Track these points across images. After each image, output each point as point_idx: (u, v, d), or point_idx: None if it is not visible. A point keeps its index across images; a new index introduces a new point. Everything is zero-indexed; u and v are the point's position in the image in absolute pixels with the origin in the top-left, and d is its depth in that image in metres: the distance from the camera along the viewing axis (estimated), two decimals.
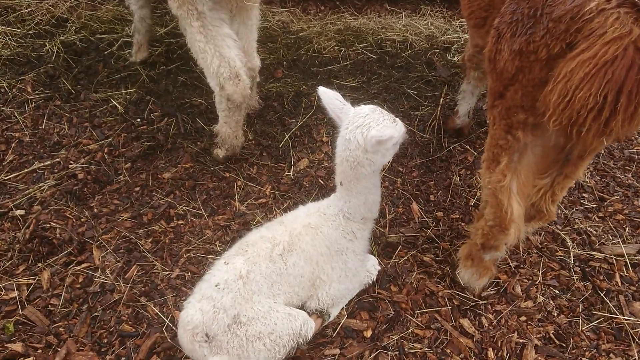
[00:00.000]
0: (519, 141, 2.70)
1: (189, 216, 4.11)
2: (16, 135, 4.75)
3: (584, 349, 3.31)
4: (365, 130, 2.82)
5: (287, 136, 4.79)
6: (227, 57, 3.86)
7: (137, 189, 4.33)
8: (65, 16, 6.14)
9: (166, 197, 4.26)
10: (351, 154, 2.88)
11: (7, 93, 5.13)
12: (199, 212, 4.14)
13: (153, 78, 5.42)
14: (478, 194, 4.36)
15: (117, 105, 5.04)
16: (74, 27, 5.97)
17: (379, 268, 3.63)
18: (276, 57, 5.70)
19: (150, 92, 5.23)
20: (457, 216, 4.18)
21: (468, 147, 4.78)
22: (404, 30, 6.04)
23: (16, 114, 4.92)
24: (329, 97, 2.96)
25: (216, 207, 4.20)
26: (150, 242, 3.91)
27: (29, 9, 6.18)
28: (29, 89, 5.21)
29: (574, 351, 3.29)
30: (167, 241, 3.92)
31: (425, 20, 6.17)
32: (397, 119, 2.95)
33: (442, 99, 5.17)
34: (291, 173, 4.48)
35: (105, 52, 5.70)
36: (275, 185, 4.38)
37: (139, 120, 4.93)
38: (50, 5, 6.25)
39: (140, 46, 5.46)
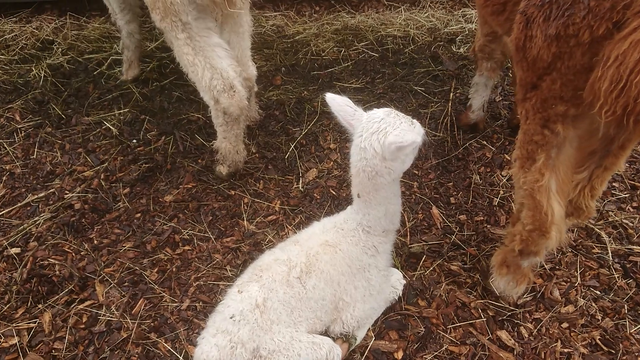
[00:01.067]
0: (558, 136, 2.43)
1: (195, 240, 3.84)
2: (7, 167, 4.49)
3: (636, 354, 3.03)
4: (382, 136, 2.55)
5: (292, 146, 4.52)
6: (219, 68, 3.60)
7: (138, 215, 4.06)
8: (50, 38, 5.89)
9: (169, 221, 3.98)
10: (368, 164, 2.61)
11: None
12: (206, 235, 3.87)
13: (146, 96, 5.16)
14: (501, 192, 4.08)
15: (111, 127, 4.78)
16: (60, 49, 5.72)
17: (404, 282, 3.36)
18: (273, 63, 5.44)
19: (145, 110, 4.97)
20: (482, 218, 3.90)
21: (485, 142, 4.50)
22: (405, 24, 5.77)
23: (5, 145, 4.66)
24: (338, 104, 2.69)
25: (223, 228, 3.93)
26: (156, 272, 3.64)
27: (12, 34, 5.93)
28: (18, 118, 4.95)
29: (624, 357, 3.02)
30: (174, 270, 3.65)
31: (425, 13, 5.90)
32: (415, 121, 2.68)
33: (452, 94, 4.90)
34: (300, 185, 4.21)
35: (95, 73, 5.44)
36: (284, 199, 4.11)
37: (135, 141, 4.67)
38: (34, 29, 6.00)
39: (131, 63, 5.20)
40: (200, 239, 3.86)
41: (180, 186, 4.26)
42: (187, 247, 3.81)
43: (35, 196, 4.21)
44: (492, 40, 3.95)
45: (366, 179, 2.69)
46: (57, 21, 6.15)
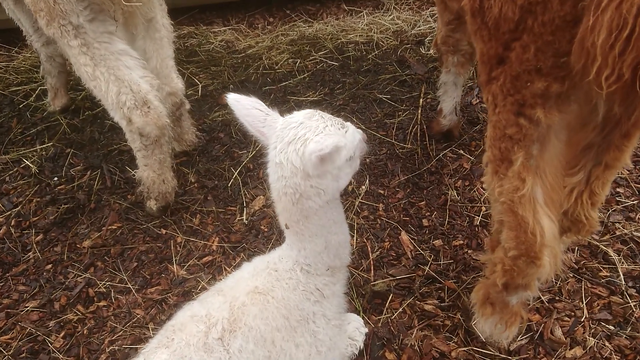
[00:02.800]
0: (539, 125, 1.77)
1: (113, 294, 3.14)
2: None
3: None
4: (301, 145, 1.90)
5: (236, 172, 3.84)
6: (127, 80, 2.96)
7: (49, 266, 3.36)
8: None
9: (85, 272, 3.29)
10: (288, 184, 1.96)
11: None
12: (127, 286, 3.16)
13: (76, 127, 4.51)
14: (484, 209, 3.40)
15: (30, 165, 4.11)
16: None
17: (366, 330, 2.68)
18: (221, 81, 4.81)
19: (72, 143, 4.31)
20: (461, 242, 3.21)
21: (462, 151, 3.84)
22: (367, 29, 5.18)
23: None
24: (244, 107, 2.03)
25: (149, 276, 3.23)
26: (62, 338, 2.93)
27: None
28: None
29: None
30: (85, 332, 2.95)
31: (390, 15, 5.32)
32: (348, 124, 2.04)
33: (422, 100, 4.26)
34: (244, 217, 3.52)
35: (21, 106, 4.80)
36: (224, 236, 3.42)
37: (56, 179, 4.00)
38: None
39: (57, 91, 4.56)
40: (119, 292, 3.15)
41: (103, 228, 3.57)
42: (102, 303, 3.10)
43: None
44: (456, 28, 3.33)
45: (290, 203, 2.02)
46: None
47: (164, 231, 3.50)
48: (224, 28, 5.55)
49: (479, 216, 3.35)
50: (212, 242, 3.39)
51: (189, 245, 3.40)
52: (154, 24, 3.22)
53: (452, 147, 3.88)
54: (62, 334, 2.95)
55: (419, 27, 5.16)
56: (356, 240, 3.29)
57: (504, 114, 1.83)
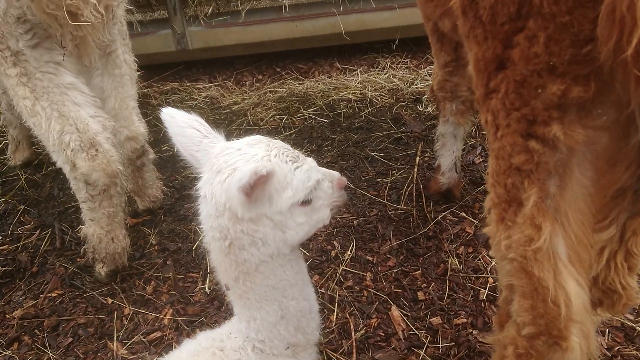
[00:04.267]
0: (556, 149, 1.29)
1: None
2: None
3: None
4: (227, 176, 1.43)
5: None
6: (72, 118, 2.55)
7: None
8: None
9: (7, 348, 2.71)
10: (215, 225, 1.47)
11: None
12: None
13: (36, 182, 4.09)
14: (491, 280, 2.84)
15: None
16: None
17: None
18: None
19: (26, 200, 3.86)
20: (464, 320, 2.62)
21: (464, 214, 3.33)
22: (361, 87, 4.85)
23: None
24: (179, 124, 1.59)
25: (83, 355, 2.65)
26: None
27: None
28: None
29: None
30: None
31: (386, 74, 5.01)
32: (309, 160, 1.58)
33: (418, 158, 3.81)
34: (207, 285, 2.98)
35: None
36: (180, 307, 2.86)
37: (0, 238, 3.50)
38: None
39: (18, 144, 4.18)
40: None
41: (41, 295, 3.03)
42: None
43: None
44: (453, 71, 2.94)
45: (221, 253, 1.52)
46: None
47: (110, 300, 2.95)
48: (210, 85, 5.25)
49: (485, 289, 2.79)
50: (165, 315, 2.82)
51: (136, 318, 2.83)
52: (114, 59, 2.86)
53: (452, 209, 3.37)
54: None
55: (416, 85, 4.82)
56: (336, 315, 2.72)
57: (508, 137, 1.35)
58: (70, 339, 2.75)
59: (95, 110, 2.67)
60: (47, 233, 3.50)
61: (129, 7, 5.32)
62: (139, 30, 5.09)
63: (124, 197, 2.91)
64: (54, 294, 3.05)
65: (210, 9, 5.38)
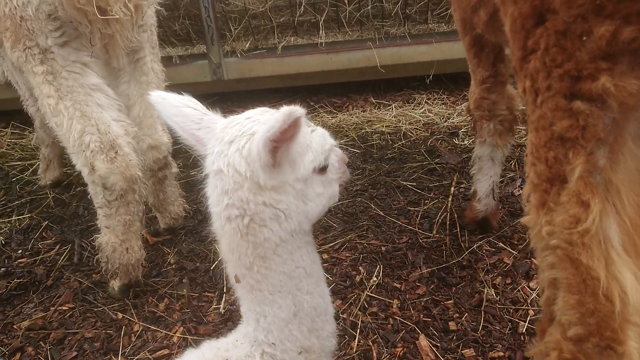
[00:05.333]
0: (605, 107, 1.11)
1: None
2: None
3: None
4: (246, 142, 1.31)
5: None
6: (94, 118, 2.50)
7: None
8: None
9: (9, 359, 2.57)
10: (232, 202, 1.35)
11: None
12: None
13: (63, 201, 4.07)
14: (531, 312, 2.56)
15: None
16: None
17: None
18: None
19: (51, 217, 3.83)
20: (501, 354, 2.35)
21: (502, 244, 3.08)
22: (395, 121, 4.73)
23: None
24: (173, 105, 1.50)
25: None
26: None
27: None
28: None
29: None
30: None
31: (421, 109, 4.89)
32: (319, 128, 1.47)
33: (452, 188, 3.61)
34: (222, 305, 2.80)
35: (14, 179, 4.46)
36: (191, 325, 2.68)
37: (20, 252, 3.45)
38: None
39: (50, 163, 4.20)
40: None
41: (52, 308, 2.91)
42: None
43: None
44: (491, 87, 2.78)
45: (237, 235, 1.39)
46: (0, 132, 5.40)
47: (120, 315, 2.81)
48: None
49: (525, 322, 2.51)
50: (175, 333, 2.65)
51: (145, 335, 2.67)
52: (141, 66, 2.84)
53: (489, 239, 3.13)
54: None
55: (453, 119, 4.67)
56: (358, 342, 2.49)
57: (549, 101, 1.18)
58: (75, 353, 2.60)
59: (119, 115, 2.63)
60: (67, 249, 3.43)
61: (172, 39, 5.52)
62: (177, 62, 5.18)
63: (142, 206, 2.81)
64: (64, 307, 2.92)
65: (248, 44, 5.47)
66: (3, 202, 4.12)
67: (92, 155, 2.51)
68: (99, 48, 2.51)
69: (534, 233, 1.31)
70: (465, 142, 4.30)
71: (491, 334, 2.48)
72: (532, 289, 2.71)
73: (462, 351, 2.39)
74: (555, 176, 1.22)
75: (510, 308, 2.62)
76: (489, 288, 2.76)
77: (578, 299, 1.17)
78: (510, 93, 2.84)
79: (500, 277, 2.84)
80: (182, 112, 1.46)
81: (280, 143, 1.25)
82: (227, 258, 1.48)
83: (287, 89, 5.49)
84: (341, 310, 2.71)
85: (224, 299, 2.84)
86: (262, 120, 1.35)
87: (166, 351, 2.53)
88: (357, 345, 2.47)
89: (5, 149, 5.03)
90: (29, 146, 5.03)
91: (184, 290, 2.92)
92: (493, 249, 3.07)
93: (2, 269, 3.27)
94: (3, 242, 3.56)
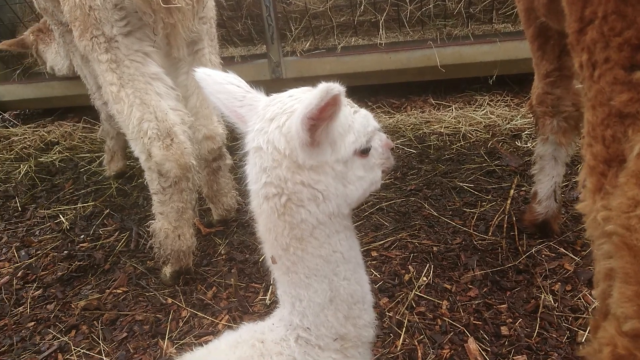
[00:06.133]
0: None
1: None
2: None
3: None
4: (286, 119, 1.29)
5: None
6: (153, 106, 2.58)
7: (32, 324, 2.83)
8: (56, 140, 5.38)
9: (65, 335, 2.69)
10: (270, 179, 1.33)
11: None
12: (105, 358, 2.50)
13: (125, 192, 4.23)
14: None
15: (64, 221, 3.80)
16: (59, 149, 5.13)
17: None
18: None
19: (113, 205, 3.99)
20: None
21: (563, 249, 2.90)
22: (455, 122, 4.59)
23: None
24: (217, 82, 1.50)
25: (133, 349, 2.55)
26: None
27: (22, 137, 5.52)
28: None
29: None
30: None
31: (483, 110, 4.73)
32: (362, 110, 1.43)
33: (512, 191, 3.45)
34: (267, 297, 2.80)
35: (82, 169, 4.69)
36: (237, 314, 2.70)
37: (82, 237, 3.61)
38: (45, 132, 5.57)
39: (114, 154, 4.39)
40: None
41: (107, 290, 3.02)
42: None
43: None
44: (556, 82, 2.63)
45: (274, 214, 1.36)
46: (72, 126, 5.71)
47: (169, 301, 2.86)
48: None
49: (584, 331, 2.34)
50: (220, 320, 2.67)
51: (192, 321, 2.71)
52: (200, 57, 2.91)
53: (549, 244, 2.96)
54: None
55: (516, 121, 4.48)
56: (403, 341, 2.41)
57: (607, 74, 1.09)
58: (125, 334, 2.68)
59: (176, 104, 2.70)
60: (125, 236, 3.55)
61: (235, 39, 5.65)
62: (239, 60, 5.29)
63: (195, 195, 2.87)
64: (119, 290, 3.02)
65: (307, 45, 5.50)
66: (71, 190, 4.34)
67: (149, 141, 2.58)
68: (161, 38, 2.58)
69: (590, 220, 1.21)
70: (529, 144, 4.11)
71: (547, 342, 2.33)
72: (594, 298, 2.53)
73: (514, 357, 2.25)
74: (613, 157, 1.12)
75: (569, 316, 2.46)
76: (547, 294, 2.60)
77: (635, 290, 1.06)
78: (577, 88, 2.68)
79: (559, 283, 2.67)
80: (225, 89, 1.46)
81: (319, 121, 1.22)
82: (264, 238, 1.46)
83: (345, 88, 5.46)
84: (387, 308, 2.63)
85: (270, 291, 2.84)
86: (304, 98, 1.32)
87: (211, 337, 2.55)
88: (402, 344, 2.39)
89: (77, 142, 5.32)
90: (97, 140, 5.29)
91: (232, 280, 2.94)
92: (553, 254, 2.89)
93: (65, 251, 3.43)
94: (68, 227, 3.74)
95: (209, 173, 3.21)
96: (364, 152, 1.39)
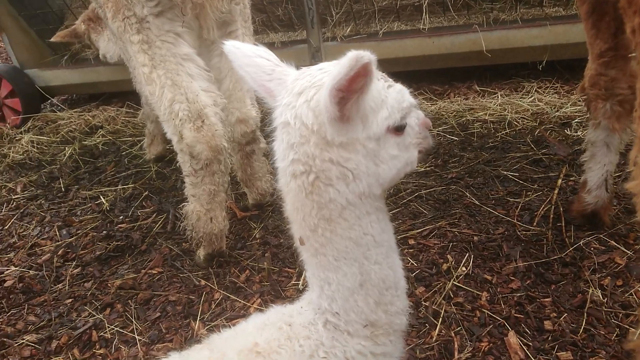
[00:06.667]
0: None
1: (116, 342, 2.50)
2: None
3: None
4: (315, 92, 1.22)
5: None
6: (184, 87, 2.55)
7: (69, 301, 2.89)
8: (100, 124, 5.48)
9: (100, 312, 2.72)
10: (298, 156, 1.27)
11: None
12: (138, 336, 2.51)
13: (164, 175, 4.27)
14: None
15: (104, 202, 3.86)
16: (102, 133, 5.23)
17: None
18: None
19: (152, 188, 4.03)
20: None
21: (614, 242, 2.72)
22: (500, 109, 4.41)
23: None
24: (246, 55, 1.43)
25: (165, 329, 2.56)
26: None
27: (68, 120, 5.65)
28: (18, 189, 4.29)
29: None
30: None
31: (530, 97, 4.51)
32: (397, 84, 1.32)
33: (560, 180, 3.27)
34: (300, 282, 2.75)
35: (124, 153, 4.76)
36: (269, 298, 2.66)
37: (121, 217, 3.66)
38: (90, 116, 5.69)
39: (154, 138, 4.42)
40: (124, 341, 2.52)
41: (142, 270, 3.04)
42: (100, 351, 2.48)
43: None
44: (610, 62, 2.46)
45: (302, 193, 1.30)
46: (116, 111, 5.81)
47: (203, 283, 2.86)
48: None
49: (636, 329, 2.18)
50: (252, 304, 2.64)
51: (225, 304, 2.69)
52: (233, 39, 2.83)
53: (599, 236, 2.78)
54: None
55: (566, 109, 4.26)
56: (439, 332, 2.31)
57: None
58: (158, 314, 2.69)
59: (208, 85, 2.67)
60: (162, 218, 3.58)
61: (275, 25, 5.61)
62: (279, 46, 5.24)
63: (227, 177, 2.83)
64: (154, 271, 3.04)
65: (348, 30, 5.40)
66: (112, 172, 4.41)
67: (181, 123, 2.56)
68: (191, 18, 2.55)
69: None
70: (579, 133, 3.90)
71: (594, 339, 2.19)
72: None
73: (558, 353, 2.13)
74: None
75: (619, 312, 2.30)
76: (595, 289, 2.44)
77: None
78: (634, 70, 2.49)
79: (609, 277, 2.50)
80: (254, 62, 1.40)
81: (348, 94, 1.14)
82: (292, 218, 1.39)
83: (386, 74, 5.35)
84: (424, 297, 2.54)
85: (303, 276, 2.79)
86: (332, 70, 1.25)
87: (242, 320, 2.53)
88: (438, 335, 2.30)
89: (119, 126, 5.40)
90: (139, 124, 5.36)
91: (265, 263, 2.91)
92: (603, 247, 2.72)
93: (104, 231, 3.48)
94: (108, 208, 3.80)
95: (242, 157, 3.18)
96: (399, 129, 1.29)
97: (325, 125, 1.19)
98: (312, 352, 1.42)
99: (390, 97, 1.27)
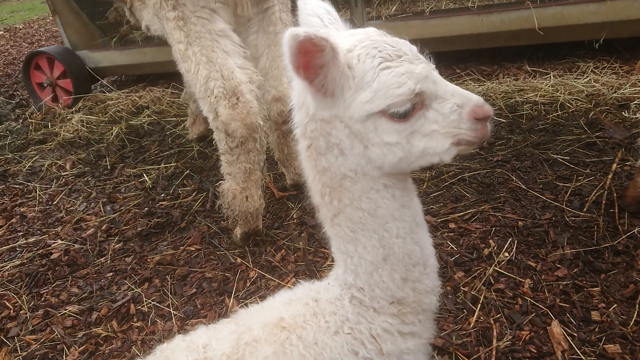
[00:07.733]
0: None
1: (152, 316, 2.55)
2: (22, 210, 3.84)
3: None
4: None
5: None
6: (219, 64, 2.53)
7: (110, 274, 2.96)
8: (146, 104, 5.57)
9: (138, 286, 2.77)
10: (297, 119, 1.31)
11: (42, 171, 4.40)
12: (173, 311, 2.54)
13: (205, 154, 4.30)
14: None
15: (147, 179, 3.93)
16: (148, 113, 5.32)
17: None
18: None
19: (193, 167, 4.07)
20: None
21: None
22: (552, 90, 4.17)
23: (37, 189, 4.08)
24: (308, 13, 1.39)
25: (200, 305, 2.59)
26: (79, 352, 2.39)
27: (117, 101, 5.78)
28: (67, 166, 4.43)
29: None
30: (106, 352, 2.36)
31: (586, 78, 4.25)
32: (425, 66, 1.20)
33: (614, 165, 3.07)
34: None
35: (167, 132, 4.83)
36: (304, 278, 2.63)
37: (163, 195, 3.71)
38: (137, 97, 5.79)
39: (196, 118, 4.45)
40: (160, 315, 2.56)
41: (181, 247, 3.08)
42: (137, 324, 2.53)
43: (25, 241, 3.40)
44: None
45: (304, 158, 1.33)
46: (161, 92, 5.89)
47: (239, 261, 2.86)
48: None
49: None
50: (287, 283, 2.63)
51: (259, 282, 2.69)
52: (269, 16, 2.81)
53: None
54: (81, 349, 2.41)
55: (624, 90, 3.99)
56: (477, 318, 2.23)
57: None
58: (194, 290, 2.71)
59: (244, 62, 2.63)
60: (202, 196, 3.61)
61: None
62: None
63: (263, 156, 2.81)
64: (192, 248, 3.07)
65: (394, 9, 5.25)
66: (156, 152, 4.48)
67: (216, 100, 2.55)
68: None
69: None
70: (638, 115, 3.65)
71: None
72: None
73: (605, 345, 2.01)
74: None
75: None
76: None
77: None
78: None
79: None
80: (309, 21, 1.35)
81: (309, 69, 1.10)
82: (308, 183, 1.39)
83: (432, 54, 5.19)
84: (462, 282, 2.45)
85: None
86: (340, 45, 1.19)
87: None
88: (476, 321, 2.22)
89: (165, 107, 5.48)
90: (184, 105, 5.42)
91: (301, 243, 2.88)
92: None
93: (146, 208, 3.54)
94: (150, 186, 3.87)
95: (279, 136, 3.15)
96: (397, 115, 1.15)
97: (308, 98, 1.21)
98: (337, 328, 1.39)
99: (378, 80, 1.13)
